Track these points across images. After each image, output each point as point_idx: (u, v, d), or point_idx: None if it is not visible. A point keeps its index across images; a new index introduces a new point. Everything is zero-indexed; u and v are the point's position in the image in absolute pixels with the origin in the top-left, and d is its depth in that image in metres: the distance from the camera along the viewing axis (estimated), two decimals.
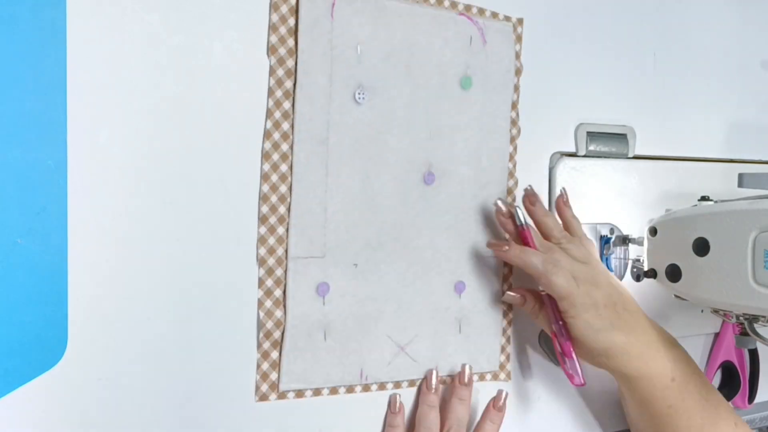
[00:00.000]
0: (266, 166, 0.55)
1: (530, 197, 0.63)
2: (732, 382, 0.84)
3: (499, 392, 0.62)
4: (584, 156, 0.71)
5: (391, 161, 0.60)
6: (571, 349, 0.60)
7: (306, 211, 0.56)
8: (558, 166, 0.69)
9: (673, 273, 0.64)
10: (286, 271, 0.56)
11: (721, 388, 0.85)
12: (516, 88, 0.66)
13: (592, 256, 0.62)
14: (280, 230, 0.56)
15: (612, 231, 0.72)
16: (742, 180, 0.65)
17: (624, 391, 0.65)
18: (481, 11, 0.64)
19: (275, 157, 0.55)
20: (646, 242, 0.68)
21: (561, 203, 0.65)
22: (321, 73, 0.56)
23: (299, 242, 0.56)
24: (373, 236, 0.59)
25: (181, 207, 0.52)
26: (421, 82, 0.61)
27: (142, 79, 0.51)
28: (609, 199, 0.72)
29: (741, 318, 0.64)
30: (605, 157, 0.72)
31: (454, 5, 0.62)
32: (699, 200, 0.65)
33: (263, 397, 0.56)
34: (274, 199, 0.55)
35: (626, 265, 0.73)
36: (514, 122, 0.66)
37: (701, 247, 0.61)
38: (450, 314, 0.63)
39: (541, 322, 0.63)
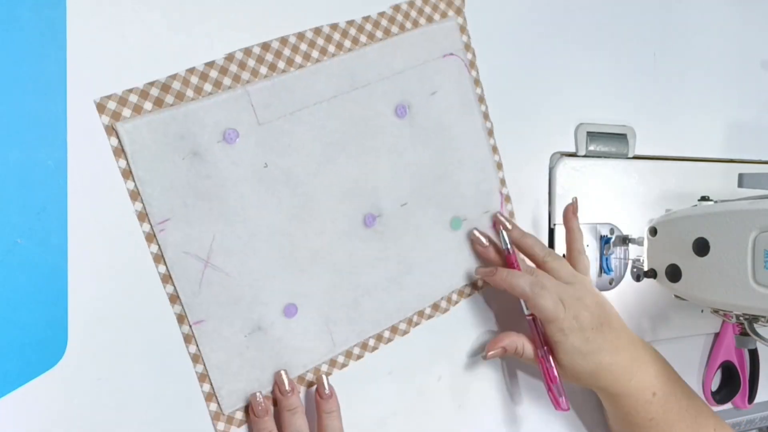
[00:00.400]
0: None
1: (502, 223, 0.63)
2: (732, 382, 0.84)
3: (318, 378, 0.57)
4: (584, 156, 0.71)
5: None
6: (557, 374, 0.61)
7: None
8: (558, 166, 0.69)
9: (673, 273, 0.64)
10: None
11: (721, 388, 0.85)
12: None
13: (577, 275, 0.62)
14: None
15: (612, 231, 0.72)
16: (742, 180, 0.65)
17: (606, 405, 0.66)
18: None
19: None
20: (646, 242, 0.68)
21: (570, 213, 0.65)
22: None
23: None
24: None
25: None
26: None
27: (142, 79, 0.51)
28: (609, 199, 0.72)
29: (741, 318, 0.64)
30: (605, 157, 0.72)
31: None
32: (699, 200, 0.65)
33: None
34: None
35: (626, 265, 0.73)
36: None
37: (701, 247, 0.61)
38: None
39: (526, 358, 0.62)
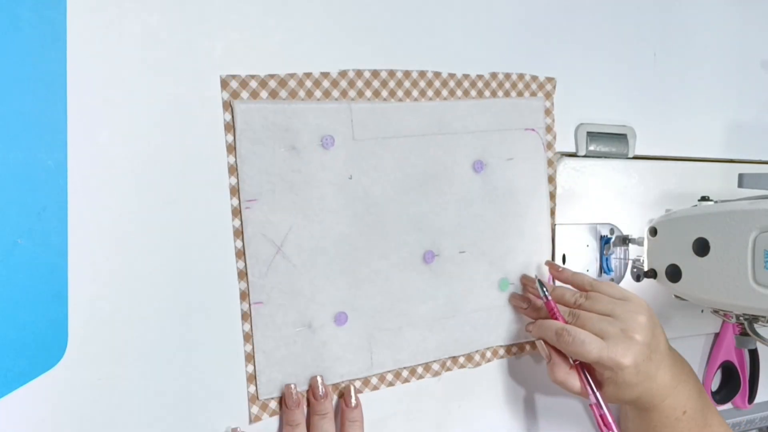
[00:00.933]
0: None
1: (550, 265, 0.66)
2: (732, 382, 0.84)
3: (347, 388, 0.59)
4: (584, 156, 0.71)
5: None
6: (611, 422, 0.59)
7: None
8: (558, 166, 0.69)
9: (673, 273, 0.64)
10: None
11: (721, 388, 0.85)
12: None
13: (616, 301, 0.60)
14: None
15: (612, 231, 0.72)
16: (742, 180, 0.65)
17: (632, 416, 0.65)
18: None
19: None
20: (646, 242, 0.68)
21: (554, 272, 0.66)
22: None
23: None
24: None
25: (181, 207, 0.53)
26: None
27: (142, 79, 0.51)
28: (609, 199, 0.72)
29: (741, 318, 0.64)
30: (605, 157, 0.72)
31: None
32: (699, 200, 0.65)
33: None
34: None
35: (626, 265, 0.73)
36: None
37: (701, 247, 0.61)
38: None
39: (568, 388, 0.61)
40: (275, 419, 0.56)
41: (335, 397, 0.59)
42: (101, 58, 0.49)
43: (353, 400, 0.58)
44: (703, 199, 0.65)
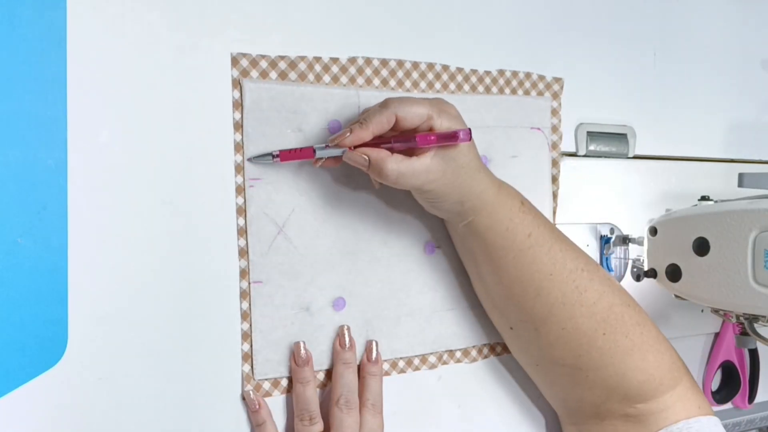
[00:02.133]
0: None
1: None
2: (732, 382, 0.84)
3: (369, 343, 0.59)
4: (584, 156, 0.71)
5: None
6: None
7: None
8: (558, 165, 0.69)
9: (674, 273, 0.64)
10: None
11: (721, 388, 0.85)
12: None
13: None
14: None
15: (612, 231, 0.72)
16: (742, 180, 0.65)
17: (479, 243, 0.58)
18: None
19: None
20: (646, 242, 0.68)
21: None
22: None
23: None
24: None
25: (181, 207, 0.53)
26: None
27: (142, 79, 0.51)
28: (609, 199, 0.72)
29: (741, 318, 0.64)
30: (605, 157, 0.72)
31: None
32: (699, 200, 0.65)
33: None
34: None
35: (626, 264, 0.73)
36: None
37: (701, 247, 0.61)
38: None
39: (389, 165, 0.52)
40: (268, 400, 0.56)
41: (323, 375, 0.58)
42: (101, 58, 0.49)
43: (375, 354, 0.59)
44: (703, 198, 0.65)
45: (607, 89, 0.73)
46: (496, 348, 0.66)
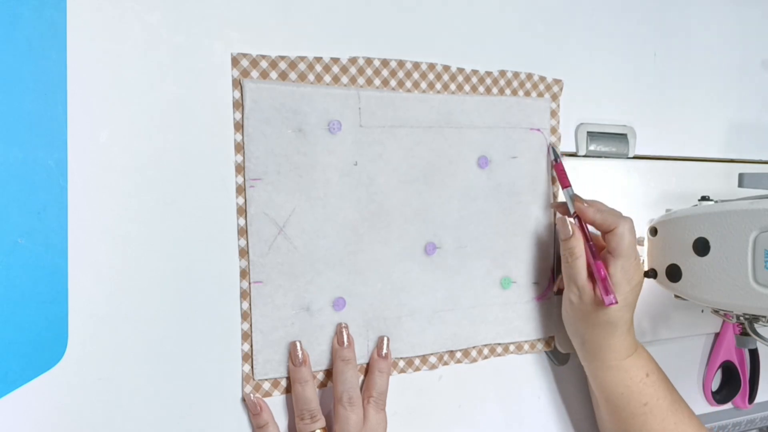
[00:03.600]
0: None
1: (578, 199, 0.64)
2: (732, 382, 0.84)
3: (380, 339, 0.60)
4: (584, 156, 0.71)
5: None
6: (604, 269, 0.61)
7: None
8: None
9: (674, 273, 0.64)
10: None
11: (721, 388, 0.85)
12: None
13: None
14: None
15: None
16: (742, 180, 0.65)
17: (598, 391, 0.65)
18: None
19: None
20: (646, 242, 0.68)
21: (582, 209, 0.63)
22: None
23: None
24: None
25: (182, 207, 0.53)
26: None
27: (142, 79, 0.51)
28: (609, 199, 0.72)
29: (741, 318, 0.64)
30: (605, 157, 0.72)
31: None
32: (699, 200, 0.65)
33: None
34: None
35: None
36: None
37: (701, 247, 0.61)
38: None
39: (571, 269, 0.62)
40: (269, 400, 0.56)
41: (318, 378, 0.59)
42: (101, 58, 0.49)
43: (385, 350, 0.59)
44: (704, 198, 0.65)
45: (607, 89, 0.73)
46: (497, 349, 0.66)
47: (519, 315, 0.67)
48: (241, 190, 0.54)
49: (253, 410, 0.55)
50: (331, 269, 0.58)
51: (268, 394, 0.56)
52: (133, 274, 0.51)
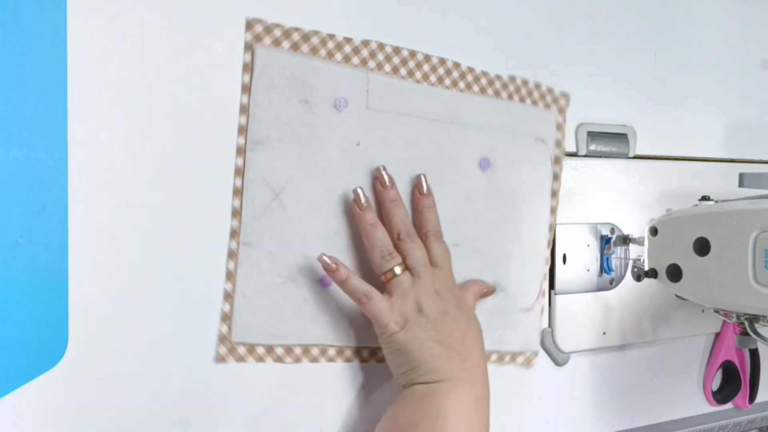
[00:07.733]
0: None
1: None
2: (733, 382, 0.84)
3: (418, 177, 0.60)
4: (584, 156, 0.71)
5: None
6: None
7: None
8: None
9: (674, 273, 0.64)
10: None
11: (721, 388, 0.85)
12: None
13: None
14: None
15: (612, 231, 0.72)
16: (742, 180, 0.65)
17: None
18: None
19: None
20: (646, 242, 0.68)
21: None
22: None
23: None
24: None
25: (182, 207, 0.52)
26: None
27: (142, 79, 0.51)
28: (609, 199, 0.72)
29: (742, 318, 0.64)
30: (605, 157, 0.72)
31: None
32: (699, 200, 0.65)
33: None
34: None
35: (627, 264, 0.73)
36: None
37: (702, 247, 0.61)
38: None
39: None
40: (241, 366, 0.55)
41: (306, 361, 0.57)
42: (101, 58, 0.49)
43: (425, 187, 0.59)
44: (704, 198, 0.65)
45: (607, 89, 0.73)
46: (491, 356, 0.66)
47: (503, 323, 0.65)
48: (241, 151, 0.54)
49: (329, 268, 0.54)
50: (322, 244, 0.57)
51: (242, 359, 0.55)
52: (133, 274, 0.51)
